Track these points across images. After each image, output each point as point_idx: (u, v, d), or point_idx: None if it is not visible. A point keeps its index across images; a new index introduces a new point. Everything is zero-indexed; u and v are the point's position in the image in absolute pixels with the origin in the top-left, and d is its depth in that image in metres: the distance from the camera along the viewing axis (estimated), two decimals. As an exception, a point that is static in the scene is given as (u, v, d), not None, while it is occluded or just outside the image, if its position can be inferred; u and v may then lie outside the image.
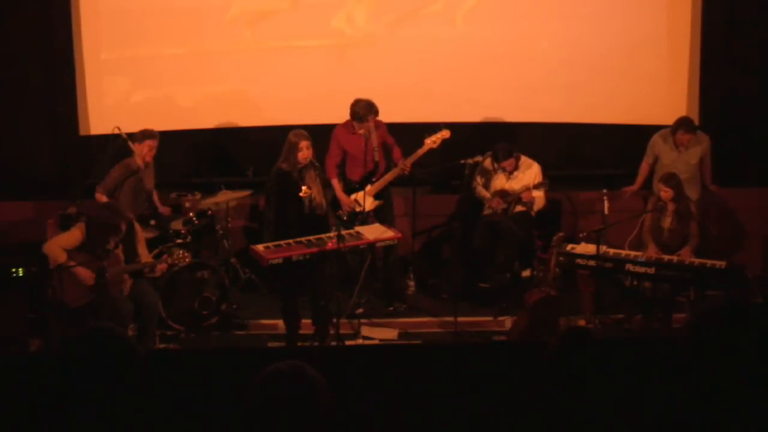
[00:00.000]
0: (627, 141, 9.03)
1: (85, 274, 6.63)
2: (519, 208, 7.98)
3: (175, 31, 8.99)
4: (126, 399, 2.55)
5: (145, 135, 7.59)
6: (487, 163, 8.02)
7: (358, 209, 7.81)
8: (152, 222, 7.65)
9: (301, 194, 6.83)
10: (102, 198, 7.53)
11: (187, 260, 6.99)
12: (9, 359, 4.98)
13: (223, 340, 7.37)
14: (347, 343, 6.96)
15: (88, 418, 2.52)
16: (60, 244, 6.67)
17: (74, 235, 6.73)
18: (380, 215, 7.81)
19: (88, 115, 9.02)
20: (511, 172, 7.95)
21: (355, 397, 4.05)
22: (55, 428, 2.55)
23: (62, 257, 6.60)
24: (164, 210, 7.98)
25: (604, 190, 7.37)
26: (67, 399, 2.53)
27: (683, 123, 7.98)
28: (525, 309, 7.04)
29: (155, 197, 7.95)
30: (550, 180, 7.93)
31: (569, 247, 7.20)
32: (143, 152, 7.56)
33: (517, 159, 7.94)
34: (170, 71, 9.07)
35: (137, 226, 6.98)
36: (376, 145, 7.81)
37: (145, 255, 6.97)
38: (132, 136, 7.59)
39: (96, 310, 6.65)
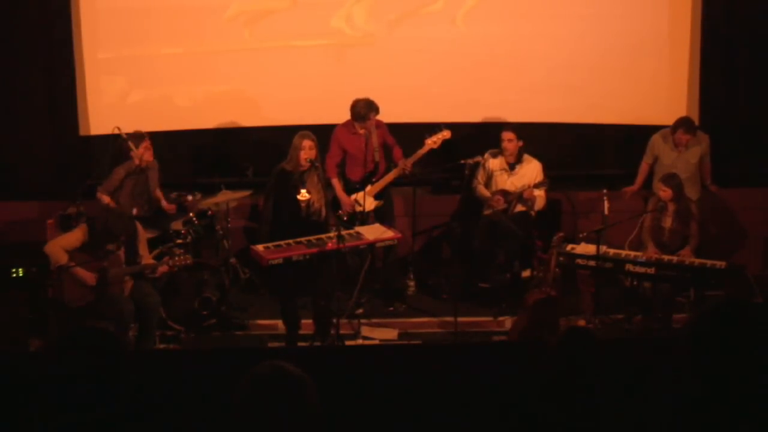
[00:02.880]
0: (627, 141, 9.03)
1: (86, 275, 6.63)
2: (519, 208, 7.98)
3: (174, 30, 8.98)
4: (116, 397, 2.55)
5: (136, 139, 7.56)
6: (489, 162, 8.01)
7: (358, 209, 7.81)
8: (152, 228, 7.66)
9: (299, 197, 6.81)
10: (104, 198, 7.53)
11: (187, 261, 6.99)
12: (9, 359, 4.97)
13: (223, 340, 7.37)
14: (347, 343, 6.96)
15: (79, 417, 2.52)
16: (61, 245, 6.67)
17: (76, 236, 6.73)
18: (380, 215, 7.81)
19: (87, 115, 9.02)
20: (510, 163, 7.91)
21: (356, 397, 4.05)
22: (52, 428, 2.55)
23: (63, 258, 6.60)
24: (169, 207, 7.95)
25: (604, 190, 7.37)
26: (58, 398, 2.53)
27: (683, 123, 7.99)
28: (525, 309, 7.04)
29: (161, 196, 7.92)
30: (551, 180, 7.93)
31: (569, 247, 7.20)
32: (140, 154, 7.56)
33: (520, 151, 7.92)
34: (169, 71, 9.07)
35: (139, 226, 6.98)
36: (376, 145, 7.81)
37: (146, 255, 6.97)
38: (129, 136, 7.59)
39: (97, 310, 6.66)
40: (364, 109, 7.60)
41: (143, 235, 7.01)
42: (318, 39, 9.01)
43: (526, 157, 8.01)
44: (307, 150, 6.89)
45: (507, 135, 7.87)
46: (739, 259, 7.97)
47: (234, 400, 2.41)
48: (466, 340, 7.24)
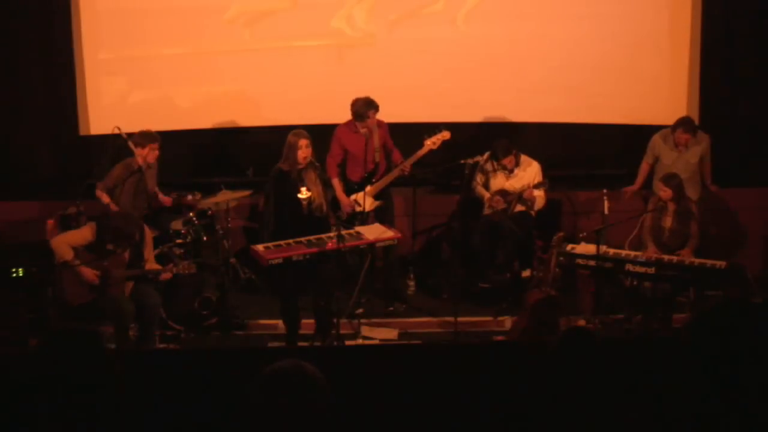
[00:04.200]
0: (627, 141, 9.03)
1: (89, 274, 6.64)
2: (519, 208, 7.99)
3: (174, 31, 8.99)
4: (103, 398, 2.55)
5: (146, 139, 7.55)
6: (488, 163, 8.02)
7: (357, 209, 7.82)
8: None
9: (300, 195, 6.82)
10: (102, 196, 7.54)
11: (191, 270, 7.00)
12: (9, 359, 4.97)
13: (223, 340, 7.37)
14: (347, 343, 6.96)
15: (70, 418, 2.52)
16: (68, 242, 6.68)
17: (83, 235, 6.75)
18: (381, 216, 7.81)
19: (87, 115, 9.03)
20: (511, 170, 7.95)
21: (355, 397, 4.05)
22: (49, 428, 2.55)
23: (69, 255, 6.61)
24: (165, 199, 7.95)
25: (604, 190, 7.37)
26: (47, 399, 2.53)
27: (683, 122, 7.99)
28: (525, 309, 7.04)
29: (157, 191, 7.93)
30: (550, 180, 7.93)
31: (569, 247, 7.20)
32: (145, 154, 7.56)
33: (517, 156, 7.95)
34: (169, 71, 9.07)
35: (147, 230, 6.99)
36: (377, 145, 7.81)
37: (150, 259, 6.97)
38: (132, 137, 7.58)
39: (97, 309, 6.67)
40: (363, 108, 7.60)
41: (150, 239, 7.03)
42: (318, 39, 9.01)
43: (524, 158, 8.01)
44: (304, 148, 6.90)
45: (505, 161, 7.88)
46: (739, 259, 7.96)
47: (248, 393, 2.41)
48: (466, 340, 7.24)
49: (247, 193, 8.08)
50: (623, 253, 7.21)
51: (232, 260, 7.96)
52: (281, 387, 2.40)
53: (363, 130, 7.73)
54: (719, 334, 2.50)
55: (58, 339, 2.62)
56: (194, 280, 7.40)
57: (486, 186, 8.06)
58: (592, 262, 7.05)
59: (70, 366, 2.53)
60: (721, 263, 6.93)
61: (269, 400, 2.39)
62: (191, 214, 7.73)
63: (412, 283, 8.28)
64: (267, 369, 2.44)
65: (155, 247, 7.41)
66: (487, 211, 8.05)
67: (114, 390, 2.58)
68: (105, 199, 7.52)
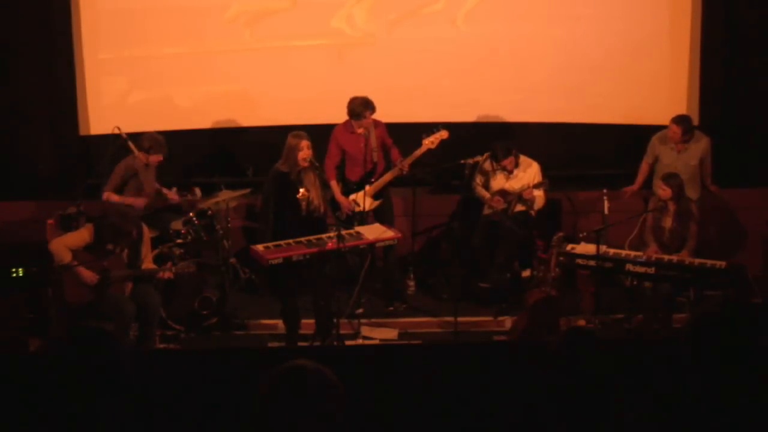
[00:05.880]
0: (627, 141, 9.03)
1: (88, 275, 6.65)
2: (519, 207, 7.99)
3: (174, 30, 8.99)
4: (114, 397, 2.54)
5: (157, 148, 7.51)
6: (487, 163, 8.02)
7: (357, 210, 7.82)
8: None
9: (298, 196, 6.82)
10: (112, 197, 7.50)
11: (191, 269, 7.00)
12: (9, 359, 4.97)
13: (223, 340, 7.37)
14: (347, 343, 6.96)
15: (80, 417, 2.51)
16: (66, 244, 6.69)
17: (81, 236, 6.76)
18: (380, 215, 7.81)
19: (87, 115, 9.03)
20: (511, 171, 7.95)
21: (355, 397, 4.05)
22: (52, 428, 2.55)
23: (67, 257, 6.63)
24: (171, 194, 7.92)
25: (604, 190, 7.38)
26: (57, 399, 2.52)
27: (676, 117, 7.98)
28: (525, 309, 7.05)
29: (159, 186, 7.88)
30: (550, 180, 7.93)
31: (569, 247, 7.20)
32: (151, 160, 7.54)
33: (517, 157, 7.95)
34: (169, 71, 9.07)
35: (144, 228, 6.99)
36: (375, 145, 7.81)
37: (148, 258, 6.97)
38: (137, 141, 7.56)
39: (97, 309, 6.67)
40: (360, 107, 7.60)
41: (147, 237, 7.03)
42: (318, 39, 9.01)
43: (523, 159, 8.01)
44: (305, 150, 6.89)
45: (505, 162, 7.89)
46: (739, 259, 7.96)
47: (264, 385, 2.39)
48: (466, 340, 7.24)
49: (246, 191, 8.08)
50: (623, 253, 7.21)
51: (232, 260, 7.96)
52: (303, 388, 2.38)
53: (360, 130, 7.72)
54: (719, 334, 2.50)
55: (74, 337, 2.61)
56: (194, 280, 7.41)
57: (486, 186, 8.06)
58: (592, 262, 7.06)
59: (87, 365, 2.53)
60: (721, 263, 6.93)
61: (287, 397, 2.36)
62: (191, 214, 7.73)
63: (412, 283, 8.28)
64: (289, 366, 2.41)
65: (155, 247, 7.41)
66: (487, 211, 8.05)
67: (124, 390, 2.57)
68: (114, 198, 7.50)
